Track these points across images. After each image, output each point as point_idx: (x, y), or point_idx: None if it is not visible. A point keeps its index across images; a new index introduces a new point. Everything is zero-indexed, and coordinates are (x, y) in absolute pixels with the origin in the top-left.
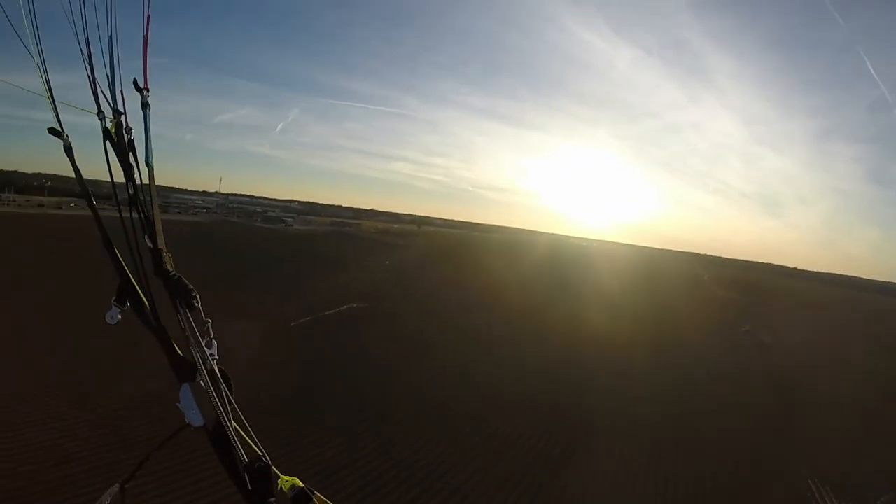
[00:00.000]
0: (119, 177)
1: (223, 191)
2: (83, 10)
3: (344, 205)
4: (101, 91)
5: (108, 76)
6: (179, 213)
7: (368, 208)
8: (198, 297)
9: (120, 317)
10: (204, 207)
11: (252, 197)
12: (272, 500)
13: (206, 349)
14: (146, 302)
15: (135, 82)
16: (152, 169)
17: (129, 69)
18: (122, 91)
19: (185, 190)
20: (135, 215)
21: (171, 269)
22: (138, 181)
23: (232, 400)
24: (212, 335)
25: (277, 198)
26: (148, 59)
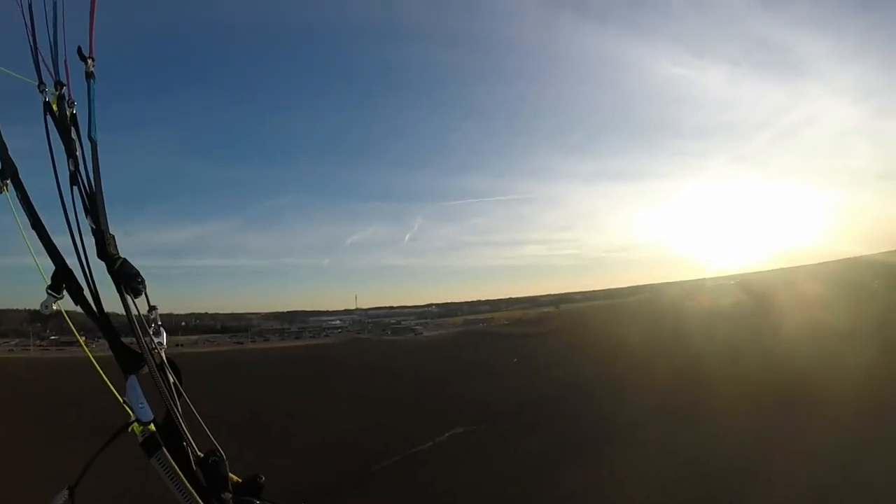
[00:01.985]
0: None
1: (363, 306)
2: None
3: (481, 299)
4: (43, 60)
5: (50, 45)
6: (312, 336)
7: (505, 297)
8: (144, 281)
9: (56, 306)
10: (339, 327)
11: (391, 308)
12: (228, 495)
13: (153, 337)
14: (87, 288)
15: (79, 50)
16: (95, 144)
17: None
18: (66, 61)
19: (325, 311)
20: (76, 194)
21: (114, 252)
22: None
23: (182, 392)
24: (159, 323)
25: (417, 304)
26: (94, 25)
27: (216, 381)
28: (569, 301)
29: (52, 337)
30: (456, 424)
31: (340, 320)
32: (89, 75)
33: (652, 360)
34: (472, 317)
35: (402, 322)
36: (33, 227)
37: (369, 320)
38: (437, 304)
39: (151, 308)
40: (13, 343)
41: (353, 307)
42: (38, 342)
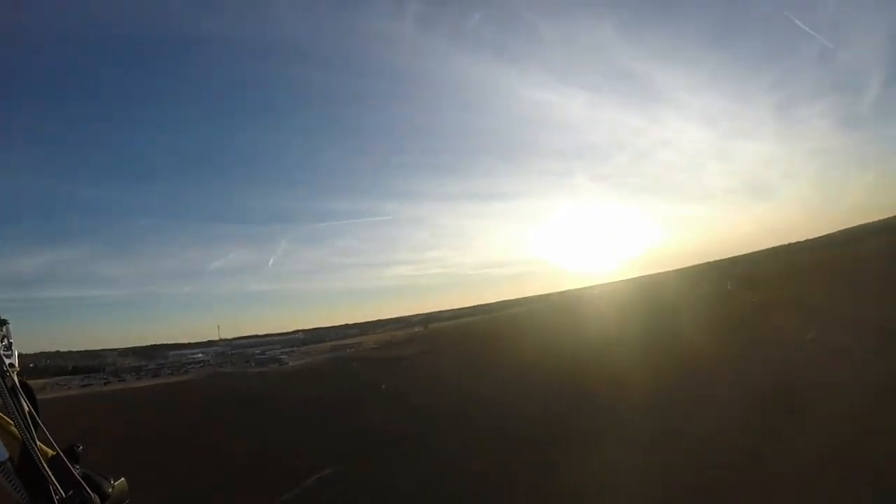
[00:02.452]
0: None
1: (228, 336)
2: None
3: (350, 322)
4: None
5: None
6: (171, 373)
7: (374, 320)
8: None
9: None
10: (200, 361)
11: (257, 337)
12: None
13: (4, 357)
14: None
15: None
16: None
17: None
18: None
19: (187, 344)
20: None
21: None
22: None
23: (39, 421)
24: (10, 340)
25: (284, 331)
26: None
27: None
28: (437, 319)
29: None
30: (324, 465)
31: (203, 353)
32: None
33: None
34: (340, 342)
35: (268, 351)
36: None
37: (233, 351)
38: (304, 330)
39: (2, 321)
40: None
41: (216, 338)
42: None
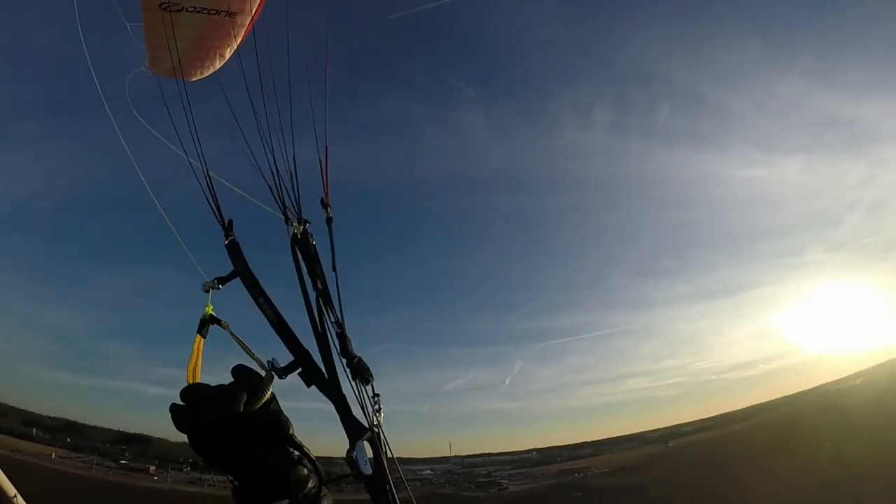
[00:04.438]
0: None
1: (460, 453)
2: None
3: (583, 441)
4: (292, 202)
5: (294, 195)
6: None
7: (607, 437)
8: (372, 375)
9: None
10: (426, 478)
11: (489, 455)
12: None
13: (375, 416)
14: (330, 373)
15: (321, 201)
16: (336, 273)
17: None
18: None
19: (419, 459)
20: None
21: (352, 351)
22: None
23: (394, 458)
24: (379, 406)
25: (517, 450)
26: (328, 179)
27: None
28: (678, 435)
29: (123, 461)
30: None
31: (431, 469)
32: (329, 220)
33: None
34: (569, 465)
35: (494, 473)
36: (276, 325)
37: (461, 469)
38: (537, 450)
39: (375, 395)
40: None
41: (448, 454)
42: (109, 463)
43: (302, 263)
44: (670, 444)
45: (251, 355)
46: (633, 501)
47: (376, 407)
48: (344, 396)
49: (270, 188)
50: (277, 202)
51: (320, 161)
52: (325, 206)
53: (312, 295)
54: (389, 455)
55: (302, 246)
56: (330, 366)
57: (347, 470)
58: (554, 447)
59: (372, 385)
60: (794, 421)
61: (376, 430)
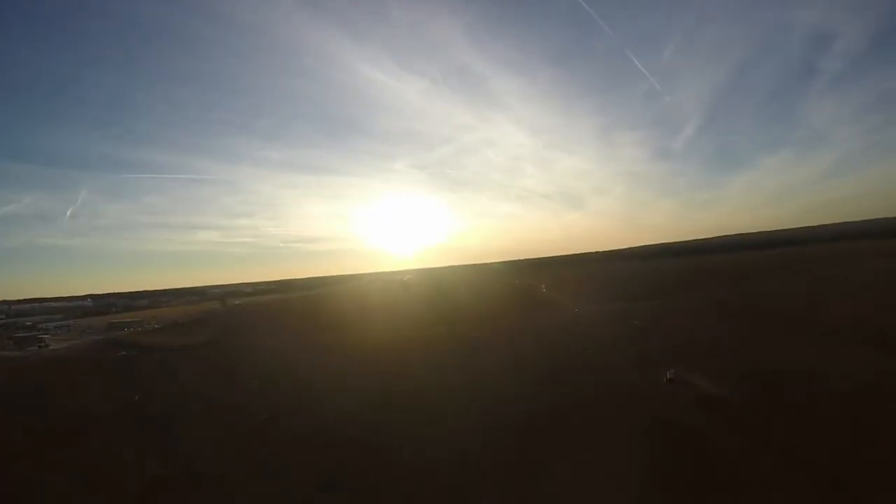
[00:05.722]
0: None
1: (8, 297)
2: None
3: (148, 289)
4: None
5: None
6: None
7: (171, 288)
8: None
9: None
10: None
11: (41, 301)
12: None
13: None
14: None
15: None
16: None
17: None
18: None
19: None
20: None
21: None
22: None
23: None
24: None
25: (74, 293)
26: None
27: None
28: (237, 294)
29: None
30: None
31: None
32: None
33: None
34: (121, 318)
35: (41, 324)
36: None
37: (6, 319)
38: (93, 296)
39: None
40: None
41: None
42: None
43: None
44: (234, 303)
45: None
46: (182, 363)
47: None
48: None
49: None
50: None
51: None
52: None
53: None
54: None
55: None
56: None
57: None
58: (112, 294)
59: None
60: (347, 297)
61: None
